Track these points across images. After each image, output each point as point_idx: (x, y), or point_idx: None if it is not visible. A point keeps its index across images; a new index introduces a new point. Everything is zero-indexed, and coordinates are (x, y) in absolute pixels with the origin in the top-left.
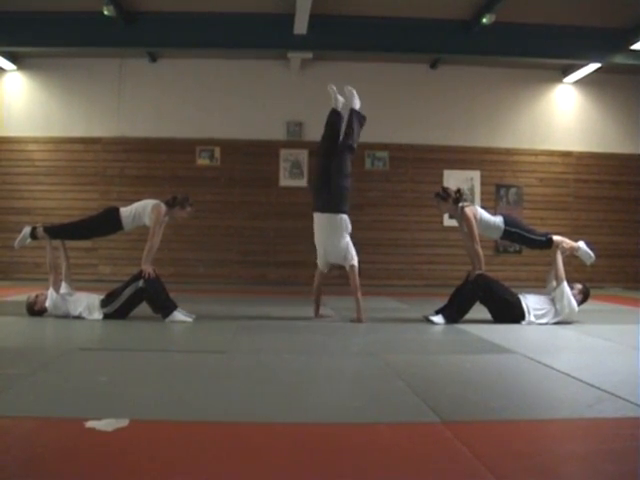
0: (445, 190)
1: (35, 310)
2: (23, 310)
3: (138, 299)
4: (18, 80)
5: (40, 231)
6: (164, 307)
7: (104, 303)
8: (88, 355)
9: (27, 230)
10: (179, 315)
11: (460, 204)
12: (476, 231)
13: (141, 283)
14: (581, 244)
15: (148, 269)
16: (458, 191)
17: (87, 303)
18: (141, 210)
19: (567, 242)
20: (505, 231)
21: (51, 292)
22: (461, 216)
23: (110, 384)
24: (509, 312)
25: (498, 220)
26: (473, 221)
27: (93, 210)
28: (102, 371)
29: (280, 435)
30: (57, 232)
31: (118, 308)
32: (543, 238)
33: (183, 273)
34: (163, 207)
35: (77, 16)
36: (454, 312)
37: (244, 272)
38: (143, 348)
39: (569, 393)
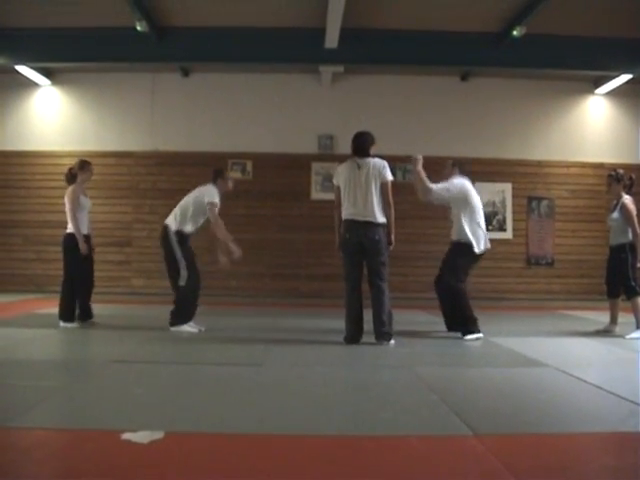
0: (619, 174)
1: None
2: (57, 322)
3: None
4: (52, 95)
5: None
6: (177, 315)
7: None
8: (123, 367)
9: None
10: (186, 327)
11: (625, 193)
12: (635, 220)
13: (182, 282)
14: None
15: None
16: (630, 179)
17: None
18: None
19: None
20: (630, 245)
21: None
22: (621, 204)
23: (145, 396)
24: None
25: (632, 235)
26: (633, 212)
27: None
28: (137, 383)
29: (312, 447)
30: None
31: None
32: (636, 287)
33: (215, 286)
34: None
35: (110, 32)
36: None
37: (276, 285)
38: (177, 361)
39: (602, 407)
